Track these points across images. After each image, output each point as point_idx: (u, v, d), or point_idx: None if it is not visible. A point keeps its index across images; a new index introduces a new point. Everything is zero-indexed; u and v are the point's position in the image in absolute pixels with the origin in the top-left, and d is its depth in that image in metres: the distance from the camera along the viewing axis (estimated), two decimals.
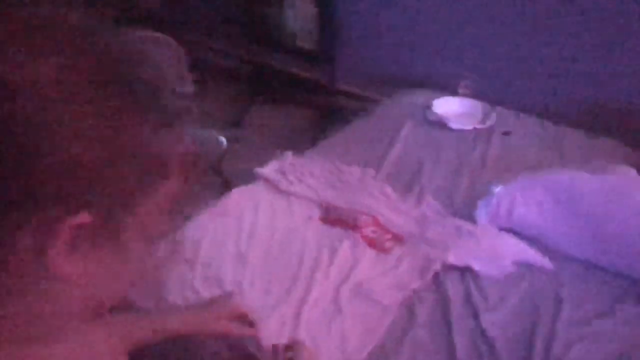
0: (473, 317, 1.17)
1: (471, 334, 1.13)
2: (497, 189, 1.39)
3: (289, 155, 1.64)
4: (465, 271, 1.28)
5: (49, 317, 0.43)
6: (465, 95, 2.13)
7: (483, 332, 1.12)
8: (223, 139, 2.08)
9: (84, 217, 0.37)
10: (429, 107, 1.92)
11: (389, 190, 1.55)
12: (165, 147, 0.42)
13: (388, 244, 1.36)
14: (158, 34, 1.71)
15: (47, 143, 0.35)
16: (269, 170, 1.57)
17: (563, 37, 2.08)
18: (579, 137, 1.81)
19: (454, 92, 2.12)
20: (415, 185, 1.57)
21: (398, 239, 1.37)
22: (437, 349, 1.10)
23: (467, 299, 1.22)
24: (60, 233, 0.37)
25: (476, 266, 1.29)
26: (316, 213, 1.44)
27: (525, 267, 1.29)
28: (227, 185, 2.03)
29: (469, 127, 1.84)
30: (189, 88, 2.94)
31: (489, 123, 1.85)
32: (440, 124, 1.86)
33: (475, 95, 2.08)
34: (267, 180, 1.54)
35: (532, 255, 1.31)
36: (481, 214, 1.38)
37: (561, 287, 1.23)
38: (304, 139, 2.71)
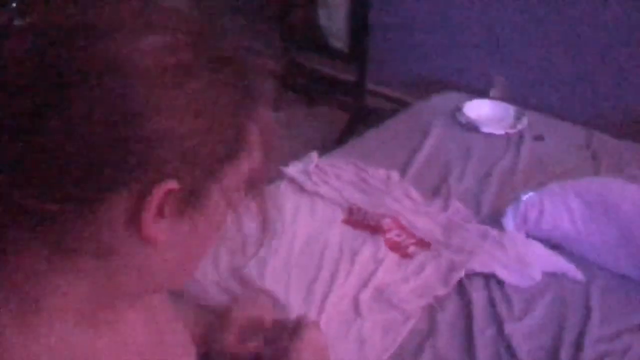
0: (496, 327, 1.14)
1: (494, 343, 1.10)
2: (526, 196, 1.36)
3: (314, 155, 1.63)
4: (489, 279, 1.25)
5: (131, 282, 0.46)
6: (496, 98, 2.09)
7: (506, 343, 1.10)
8: None
9: (172, 184, 0.40)
10: (459, 109, 1.88)
11: (414, 193, 1.53)
12: (249, 121, 0.44)
13: (412, 249, 1.34)
14: None
15: (145, 113, 0.38)
16: (293, 169, 1.56)
17: (596, 41, 2.03)
18: (613, 143, 1.75)
19: (485, 95, 2.09)
20: (442, 189, 1.54)
21: (422, 244, 1.35)
22: (458, 358, 1.08)
23: (491, 307, 1.19)
24: (152, 197, 0.40)
25: (502, 274, 1.26)
26: (339, 215, 1.43)
27: (554, 277, 1.26)
28: None
29: (500, 131, 1.80)
30: None
31: (520, 127, 1.81)
32: (471, 127, 1.82)
33: (506, 98, 2.04)
34: (291, 179, 1.54)
35: (561, 264, 1.28)
36: (509, 220, 1.35)
37: (590, 298, 1.19)
38: (333, 139, 2.71)
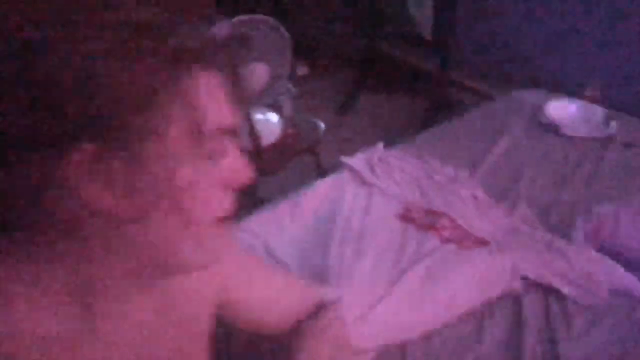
0: (550, 345, 1.07)
1: None
2: (602, 208, 1.26)
3: (379, 147, 1.59)
4: (549, 292, 1.18)
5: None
6: (589, 99, 1.95)
7: None
8: (321, 124, 2.10)
9: (86, 147, 0.40)
10: (542, 108, 1.77)
11: (481, 194, 1.46)
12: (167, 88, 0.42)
13: (467, 243, 1.29)
14: (267, 18, 1.75)
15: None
16: (356, 160, 1.54)
17: None
18: None
19: (576, 96, 1.94)
20: (510, 192, 1.46)
21: (481, 241, 1.30)
22: None
23: (546, 322, 1.12)
24: (70, 164, 0.40)
25: (564, 289, 1.18)
26: (395, 210, 1.39)
27: (622, 296, 1.16)
28: (320, 169, 2.05)
29: (584, 134, 1.67)
30: (301, 70, 3.00)
31: (607, 132, 1.67)
32: (552, 128, 1.71)
33: (600, 101, 1.89)
34: (353, 170, 1.52)
35: (633, 283, 1.17)
36: (578, 232, 1.26)
37: None
38: (411, 129, 2.66)
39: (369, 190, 1.45)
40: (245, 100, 0.50)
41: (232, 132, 0.49)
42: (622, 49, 2.12)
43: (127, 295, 0.51)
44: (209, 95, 0.45)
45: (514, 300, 1.15)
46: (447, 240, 1.29)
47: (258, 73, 1.77)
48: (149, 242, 0.47)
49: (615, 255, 1.22)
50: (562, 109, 1.76)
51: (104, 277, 0.48)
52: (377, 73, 3.10)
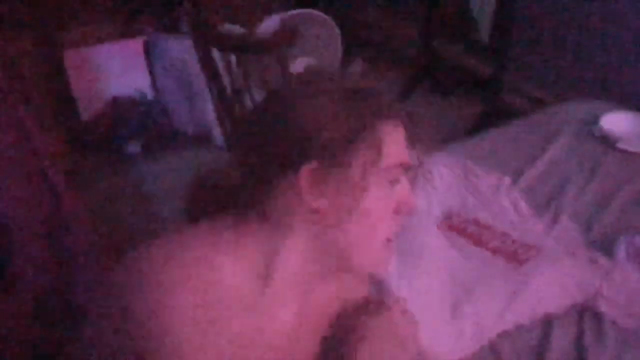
0: None
1: None
2: None
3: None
4: (584, 310, 1.13)
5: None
6: None
7: None
8: None
9: (313, 164, 0.63)
10: (597, 120, 1.70)
11: (523, 205, 1.42)
12: (371, 127, 0.66)
13: (521, 253, 1.25)
14: (317, 13, 1.77)
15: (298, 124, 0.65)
16: None
17: None
18: None
19: (636, 109, 1.85)
20: (553, 204, 1.42)
21: (530, 248, 1.26)
22: None
23: (578, 341, 1.08)
24: (302, 175, 0.63)
25: (603, 307, 1.13)
26: (437, 217, 1.37)
27: None
28: None
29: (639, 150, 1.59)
30: (356, 67, 3.00)
31: None
32: (605, 141, 1.64)
33: None
34: None
35: None
36: (621, 252, 1.20)
37: None
38: (461, 134, 2.61)
39: None
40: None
41: (407, 168, 0.71)
42: None
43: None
44: (393, 138, 0.68)
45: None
46: (496, 250, 1.26)
47: (306, 66, 1.79)
48: (336, 242, 0.67)
49: None
50: (618, 122, 1.68)
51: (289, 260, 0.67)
52: (432, 74, 3.06)
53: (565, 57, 2.46)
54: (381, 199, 0.67)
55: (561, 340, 1.07)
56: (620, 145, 1.61)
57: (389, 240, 0.70)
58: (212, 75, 1.75)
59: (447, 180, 1.50)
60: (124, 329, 0.61)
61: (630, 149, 1.60)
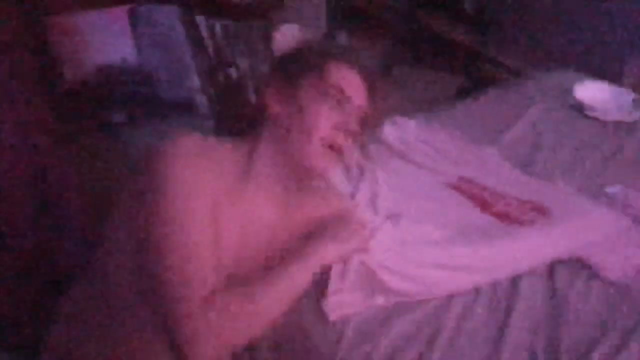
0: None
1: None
2: (612, 188, 1.27)
3: (413, 126, 1.58)
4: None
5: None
6: (630, 84, 1.93)
7: None
8: None
9: (275, 85, 0.97)
10: (571, 89, 1.77)
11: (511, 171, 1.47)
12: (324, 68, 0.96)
13: (530, 215, 1.27)
14: None
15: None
16: (391, 135, 1.54)
17: None
18: None
19: (616, 82, 1.92)
20: (530, 165, 1.48)
21: (541, 209, 1.28)
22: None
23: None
24: (267, 93, 0.97)
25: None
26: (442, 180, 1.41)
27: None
28: None
29: (610, 118, 1.67)
30: (340, 37, 3.02)
31: (636, 117, 1.66)
32: (578, 109, 1.71)
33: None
34: (388, 145, 1.53)
35: None
36: None
37: None
38: (442, 103, 2.67)
39: (408, 165, 1.47)
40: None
41: (346, 95, 0.94)
42: None
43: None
44: (338, 70, 0.94)
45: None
46: (503, 217, 1.29)
47: (289, 34, 1.81)
48: (291, 144, 0.92)
49: None
50: (591, 92, 1.76)
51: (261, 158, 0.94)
52: (414, 44, 3.10)
53: (545, 30, 2.52)
54: (321, 110, 0.91)
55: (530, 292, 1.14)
56: (592, 113, 1.68)
57: (330, 147, 0.92)
58: (196, 43, 1.78)
59: (442, 153, 1.52)
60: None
61: (601, 116, 1.67)
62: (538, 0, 2.53)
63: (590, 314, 1.09)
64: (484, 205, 1.32)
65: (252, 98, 1.87)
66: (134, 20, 2.73)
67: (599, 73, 1.94)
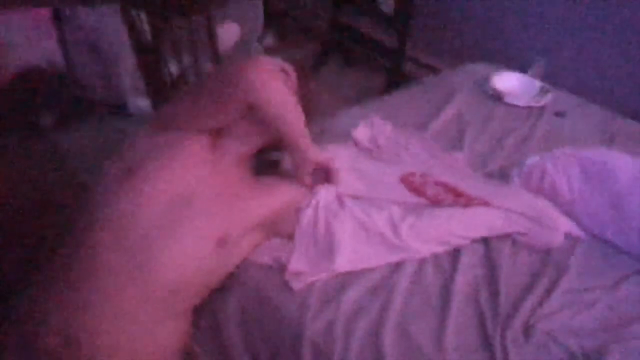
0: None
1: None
2: (531, 159, 1.45)
3: (387, 127, 1.67)
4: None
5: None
6: (534, 77, 2.15)
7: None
8: None
9: None
10: (487, 80, 1.96)
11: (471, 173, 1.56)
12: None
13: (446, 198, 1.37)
14: None
15: None
16: (362, 134, 1.62)
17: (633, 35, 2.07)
18: (634, 127, 1.80)
19: (520, 72, 2.14)
20: (456, 148, 1.64)
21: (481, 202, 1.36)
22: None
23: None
24: None
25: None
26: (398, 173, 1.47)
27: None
28: None
29: (523, 104, 1.87)
30: (268, 41, 3.11)
31: (543, 102, 1.87)
32: (495, 97, 1.90)
33: (542, 79, 2.10)
34: (360, 144, 1.60)
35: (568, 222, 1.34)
36: (514, 181, 1.45)
37: (571, 257, 1.28)
38: (368, 99, 2.82)
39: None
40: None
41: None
42: (566, 36, 2.33)
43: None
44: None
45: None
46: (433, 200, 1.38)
47: (230, 32, 1.88)
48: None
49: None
50: (505, 81, 1.96)
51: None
52: (339, 47, 3.25)
53: (460, 31, 2.74)
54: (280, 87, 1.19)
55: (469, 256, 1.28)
56: (508, 100, 1.88)
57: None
58: (137, 41, 1.80)
59: (410, 153, 1.60)
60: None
61: (516, 102, 1.87)
62: (452, 3, 2.74)
63: (519, 273, 1.25)
64: (419, 192, 1.41)
65: None
66: (58, 22, 2.68)
67: (509, 66, 2.15)
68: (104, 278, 1.01)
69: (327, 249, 1.22)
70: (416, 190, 1.41)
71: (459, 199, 1.36)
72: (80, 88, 2.70)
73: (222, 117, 1.19)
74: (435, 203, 1.37)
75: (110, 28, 2.58)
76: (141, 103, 2.73)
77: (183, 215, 1.09)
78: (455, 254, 1.28)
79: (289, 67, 1.27)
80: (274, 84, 1.17)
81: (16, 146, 2.41)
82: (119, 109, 2.73)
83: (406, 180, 1.44)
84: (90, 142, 2.54)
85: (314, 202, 1.29)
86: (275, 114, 1.18)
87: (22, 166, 2.33)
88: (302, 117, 1.23)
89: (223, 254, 1.14)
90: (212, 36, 1.64)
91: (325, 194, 1.31)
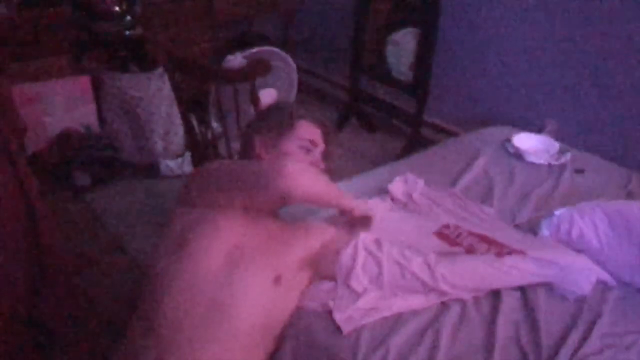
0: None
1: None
2: (559, 211, 1.54)
3: (420, 183, 1.76)
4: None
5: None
6: (548, 136, 2.27)
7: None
8: None
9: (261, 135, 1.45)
10: (508, 140, 2.08)
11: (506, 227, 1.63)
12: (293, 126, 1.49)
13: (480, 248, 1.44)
14: (276, 49, 2.03)
15: None
16: (397, 190, 1.73)
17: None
18: None
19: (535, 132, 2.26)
20: (484, 205, 1.73)
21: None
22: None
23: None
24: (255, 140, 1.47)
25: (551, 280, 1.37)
26: (433, 227, 1.55)
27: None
28: None
29: (544, 162, 1.98)
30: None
31: (563, 160, 1.99)
32: (517, 156, 2.02)
33: (556, 137, 2.22)
34: (395, 199, 1.70)
35: (603, 274, 1.40)
36: (544, 230, 1.53)
37: (605, 303, 1.34)
38: (388, 161, 2.94)
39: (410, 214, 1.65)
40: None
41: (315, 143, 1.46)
42: (575, 97, 2.48)
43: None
44: (304, 128, 1.47)
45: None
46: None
47: (268, 96, 2.03)
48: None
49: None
50: (525, 141, 2.08)
51: None
52: (358, 113, 3.42)
53: (475, 95, 2.90)
54: (299, 155, 1.42)
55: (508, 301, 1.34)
56: (529, 159, 1.99)
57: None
58: (185, 106, 1.94)
59: (442, 207, 1.69)
60: None
61: (537, 161, 1.98)
62: (467, 72, 2.92)
63: (557, 317, 1.30)
64: (453, 243, 1.48)
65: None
66: (97, 88, 2.86)
67: (524, 128, 2.28)
68: (185, 346, 1.09)
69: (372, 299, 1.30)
70: (451, 241, 1.50)
71: (493, 247, 1.44)
72: (114, 150, 2.83)
73: (253, 209, 1.27)
74: (470, 252, 1.44)
75: (145, 93, 2.75)
76: (172, 164, 2.86)
77: (240, 266, 1.19)
78: (495, 297, 1.34)
79: (319, 137, 1.49)
80: (306, 184, 1.22)
81: (54, 207, 2.51)
82: (151, 170, 2.86)
83: (441, 234, 1.52)
84: (124, 202, 2.64)
85: (353, 242, 1.37)
86: (311, 201, 1.33)
87: (60, 226, 2.42)
88: (334, 187, 1.34)
89: (280, 292, 1.21)
90: (255, 101, 1.77)
91: (364, 236, 1.40)
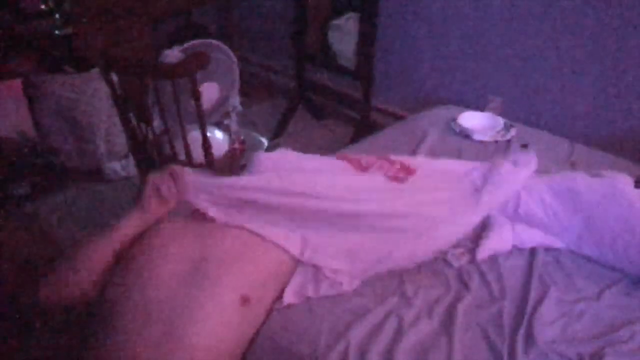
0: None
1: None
2: None
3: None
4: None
5: None
6: (492, 112, 2.30)
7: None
8: (264, 140, 2.32)
9: None
10: (454, 120, 2.10)
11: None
12: None
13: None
14: (216, 42, 1.97)
15: None
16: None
17: (588, 64, 2.26)
18: (592, 155, 1.95)
19: (479, 110, 2.29)
20: None
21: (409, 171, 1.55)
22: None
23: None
24: None
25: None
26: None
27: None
28: None
29: (490, 139, 2.00)
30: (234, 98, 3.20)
31: (508, 136, 2.02)
32: (464, 135, 2.03)
33: (500, 115, 2.26)
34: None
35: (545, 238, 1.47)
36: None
37: (554, 272, 1.38)
38: (338, 148, 2.93)
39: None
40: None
41: None
42: (518, 74, 2.53)
43: None
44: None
45: None
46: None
47: (210, 91, 1.96)
48: None
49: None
50: (470, 120, 2.10)
51: None
52: (306, 101, 3.38)
53: (420, 80, 2.91)
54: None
55: None
56: (476, 137, 2.02)
57: None
58: (123, 106, 1.86)
59: None
60: None
61: (483, 138, 2.01)
62: (408, 58, 2.92)
63: (511, 285, 1.34)
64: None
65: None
66: (29, 93, 2.71)
67: (469, 107, 2.30)
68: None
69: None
70: (350, 161, 1.59)
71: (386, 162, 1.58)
72: (53, 156, 2.71)
73: None
74: (363, 170, 1.55)
75: (82, 95, 2.63)
76: (116, 167, 2.76)
77: (200, 283, 1.14)
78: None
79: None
80: None
81: None
82: (95, 174, 2.75)
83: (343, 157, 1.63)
84: (67, 209, 2.53)
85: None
86: None
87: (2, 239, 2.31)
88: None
89: (247, 312, 1.19)
90: (196, 96, 1.72)
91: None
